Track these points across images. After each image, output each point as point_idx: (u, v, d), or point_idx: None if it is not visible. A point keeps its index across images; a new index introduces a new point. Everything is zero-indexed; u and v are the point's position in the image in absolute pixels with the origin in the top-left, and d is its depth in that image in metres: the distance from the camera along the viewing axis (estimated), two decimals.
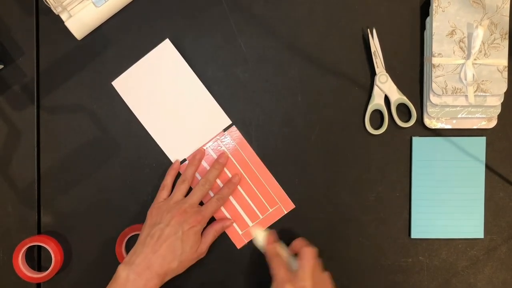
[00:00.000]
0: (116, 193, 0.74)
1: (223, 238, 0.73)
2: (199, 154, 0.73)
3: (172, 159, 0.74)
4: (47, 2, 0.68)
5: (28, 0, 0.73)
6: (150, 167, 0.73)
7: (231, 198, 0.73)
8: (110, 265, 0.72)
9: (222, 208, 0.73)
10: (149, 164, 0.73)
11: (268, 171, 0.73)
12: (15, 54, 0.73)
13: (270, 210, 0.74)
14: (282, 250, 0.69)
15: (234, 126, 0.73)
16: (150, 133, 0.73)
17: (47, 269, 0.72)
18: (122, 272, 0.64)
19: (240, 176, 0.73)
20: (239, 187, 0.74)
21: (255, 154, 0.73)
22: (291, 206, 0.74)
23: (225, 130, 0.74)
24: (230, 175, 0.73)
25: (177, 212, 0.67)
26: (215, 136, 0.74)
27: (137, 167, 0.74)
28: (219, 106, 0.73)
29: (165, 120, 0.73)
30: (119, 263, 0.72)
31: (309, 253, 0.65)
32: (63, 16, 0.70)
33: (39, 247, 0.74)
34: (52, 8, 0.69)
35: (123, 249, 0.73)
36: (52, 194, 0.73)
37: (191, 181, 0.72)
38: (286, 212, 0.74)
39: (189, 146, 0.74)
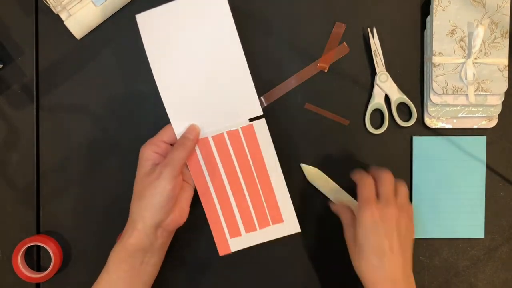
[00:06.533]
0: (115, 193, 0.73)
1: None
2: (193, 133, 0.63)
3: (176, 127, 0.63)
4: (46, 1, 0.68)
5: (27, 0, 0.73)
6: None
7: (230, 195, 0.64)
8: None
9: (217, 205, 0.64)
10: None
11: (284, 183, 0.65)
12: (15, 53, 0.73)
13: (271, 226, 0.65)
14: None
15: (263, 119, 0.65)
16: (160, 92, 0.62)
17: (46, 269, 0.71)
18: None
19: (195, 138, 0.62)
20: (243, 187, 0.64)
21: (276, 158, 0.65)
22: (297, 229, 0.65)
23: (251, 120, 0.64)
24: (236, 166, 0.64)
25: None
26: (237, 124, 0.62)
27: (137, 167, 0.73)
28: (255, 91, 0.62)
29: (184, 82, 0.62)
30: None
31: (388, 178, 0.65)
32: (63, 16, 0.70)
33: (38, 247, 0.73)
34: (52, 8, 0.69)
35: None
36: (51, 194, 0.73)
37: (178, 169, 0.61)
38: (287, 234, 0.65)
39: (202, 123, 0.62)
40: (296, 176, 0.72)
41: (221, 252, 0.65)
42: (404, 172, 0.74)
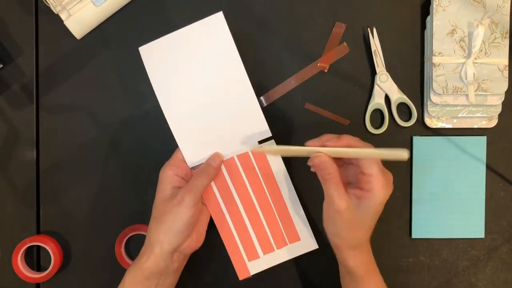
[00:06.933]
0: (115, 193, 0.73)
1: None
2: (217, 160, 0.62)
3: (189, 159, 0.63)
4: (46, 1, 0.68)
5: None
6: (150, 167, 0.73)
7: (245, 218, 0.64)
8: (110, 265, 0.72)
9: (232, 229, 0.64)
10: (149, 164, 0.73)
11: (298, 201, 0.64)
12: (15, 53, 0.73)
13: (288, 245, 0.64)
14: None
15: (272, 140, 0.65)
16: (168, 121, 0.62)
17: (46, 269, 0.71)
18: None
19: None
20: (258, 209, 0.63)
21: (288, 177, 0.64)
22: (314, 246, 0.64)
23: (260, 142, 0.64)
24: (250, 189, 0.64)
25: None
26: (247, 147, 0.62)
27: (137, 167, 0.73)
28: (262, 113, 0.62)
29: (191, 110, 0.62)
30: (118, 263, 0.72)
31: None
32: (63, 16, 0.70)
33: (38, 247, 0.73)
34: (52, 7, 0.69)
35: (123, 249, 0.73)
36: (51, 194, 0.73)
37: (199, 196, 0.61)
38: (305, 252, 0.65)
39: (213, 149, 0.63)
40: (303, 177, 0.72)
41: (241, 276, 0.65)
42: (404, 172, 0.74)
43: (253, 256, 0.64)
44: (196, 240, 0.63)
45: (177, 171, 0.63)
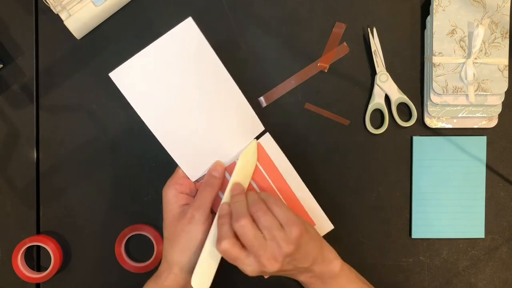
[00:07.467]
0: (115, 193, 0.73)
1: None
2: (219, 169, 0.62)
3: (190, 173, 0.62)
4: (46, 1, 0.68)
5: None
6: (150, 167, 0.73)
7: None
8: (110, 265, 0.72)
9: None
10: (149, 164, 0.73)
11: (305, 187, 0.64)
12: (14, 53, 0.73)
13: None
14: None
15: (267, 133, 0.64)
16: (161, 142, 0.61)
17: (46, 269, 0.71)
18: None
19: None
20: None
21: (291, 166, 0.64)
22: (330, 226, 0.65)
23: (257, 138, 0.64)
24: (257, 189, 0.63)
25: None
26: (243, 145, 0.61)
27: (137, 167, 0.73)
28: (252, 109, 0.61)
29: (180, 125, 0.60)
30: (118, 263, 0.72)
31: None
32: (62, 15, 0.70)
33: (38, 247, 0.73)
34: (51, 7, 0.69)
35: (123, 249, 0.73)
36: (51, 194, 0.73)
37: (209, 209, 0.60)
38: (323, 234, 0.65)
39: (212, 159, 0.62)
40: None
41: None
42: (404, 172, 0.74)
43: None
44: None
45: (180, 189, 0.62)
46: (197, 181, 0.64)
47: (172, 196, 0.62)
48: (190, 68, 0.59)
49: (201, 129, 0.61)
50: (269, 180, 0.64)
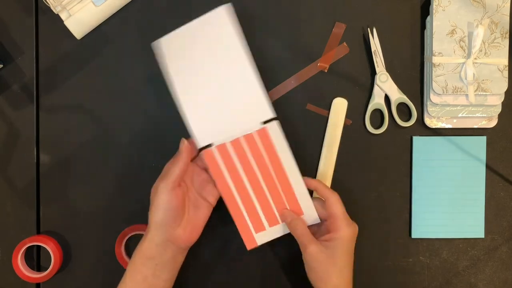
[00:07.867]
0: (115, 193, 0.73)
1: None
2: (182, 145, 0.66)
3: (199, 137, 0.67)
4: (46, 1, 0.68)
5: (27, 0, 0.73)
6: (150, 167, 0.73)
7: (251, 194, 0.68)
8: (110, 265, 0.73)
9: (240, 204, 0.68)
10: (149, 164, 0.73)
11: (300, 177, 0.68)
12: (15, 53, 0.73)
13: None
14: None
15: (276, 121, 0.67)
16: (183, 106, 0.67)
17: (46, 269, 0.71)
18: None
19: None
20: (263, 186, 0.68)
21: (292, 157, 0.67)
22: (317, 220, 0.68)
23: (265, 122, 0.67)
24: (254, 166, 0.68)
25: None
26: (252, 128, 0.67)
27: (137, 167, 0.73)
28: (263, 95, 0.66)
29: (202, 94, 0.67)
30: (118, 263, 0.72)
31: (337, 199, 0.66)
32: (63, 16, 0.70)
33: (38, 247, 0.73)
34: (52, 8, 0.69)
35: (123, 249, 0.73)
36: (51, 194, 0.73)
37: (172, 182, 0.64)
38: (308, 225, 0.68)
39: (221, 130, 0.67)
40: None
41: (249, 246, 0.69)
42: (404, 172, 0.74)
43: (260, 228, 0.68)
44: (190, 233, 0.65)
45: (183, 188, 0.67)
46: (202, 149, 0.67)
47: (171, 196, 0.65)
48: (216, 48, 0.66)
49: (216, 101, 0.67)
50: (269, 165, 0.67)
